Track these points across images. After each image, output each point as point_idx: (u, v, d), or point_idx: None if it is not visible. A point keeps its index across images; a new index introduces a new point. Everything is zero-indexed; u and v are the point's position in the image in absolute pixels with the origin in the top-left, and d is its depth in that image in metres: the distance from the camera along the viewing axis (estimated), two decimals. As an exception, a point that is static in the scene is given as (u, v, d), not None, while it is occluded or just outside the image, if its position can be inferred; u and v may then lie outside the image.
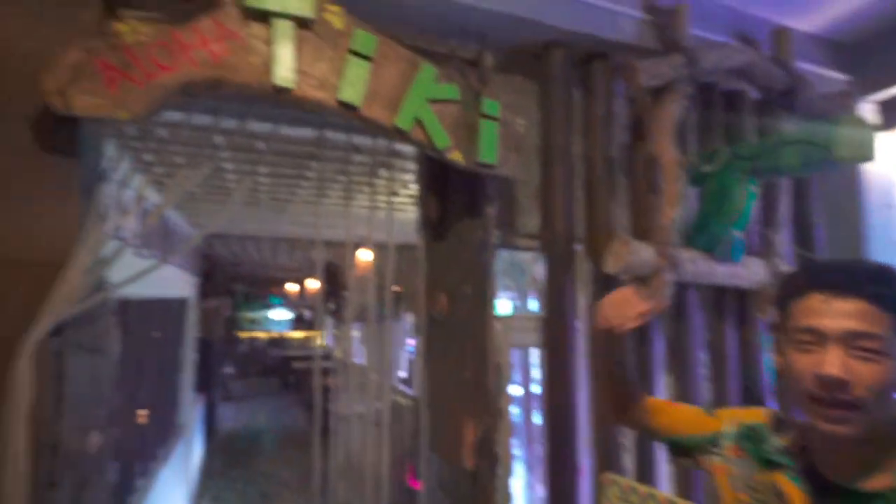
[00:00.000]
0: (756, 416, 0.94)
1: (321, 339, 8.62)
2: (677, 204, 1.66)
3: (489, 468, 1.44)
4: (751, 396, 1.88)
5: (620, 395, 1.11)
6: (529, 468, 2.12)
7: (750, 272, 1.89)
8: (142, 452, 2.71)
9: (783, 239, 2.01)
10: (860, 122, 1.53)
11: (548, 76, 1.59)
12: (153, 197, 2.47)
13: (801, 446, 0.83)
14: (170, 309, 3.34)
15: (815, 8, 1.91)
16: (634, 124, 1.88)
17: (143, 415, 2.77)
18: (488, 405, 1.45)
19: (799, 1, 1.86)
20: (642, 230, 1.80)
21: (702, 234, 1.79)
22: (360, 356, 5.70)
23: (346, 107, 1.23)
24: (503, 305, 3.41)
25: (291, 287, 11.87)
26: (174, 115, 1.37)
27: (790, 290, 0.81)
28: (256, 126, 1.49)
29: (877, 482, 0.75)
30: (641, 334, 1.78)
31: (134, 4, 1.24)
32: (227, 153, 1.86)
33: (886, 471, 0.74)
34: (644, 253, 1.62)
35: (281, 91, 1.16)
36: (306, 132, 1.60)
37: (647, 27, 1.57)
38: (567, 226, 1.70)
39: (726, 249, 1.75)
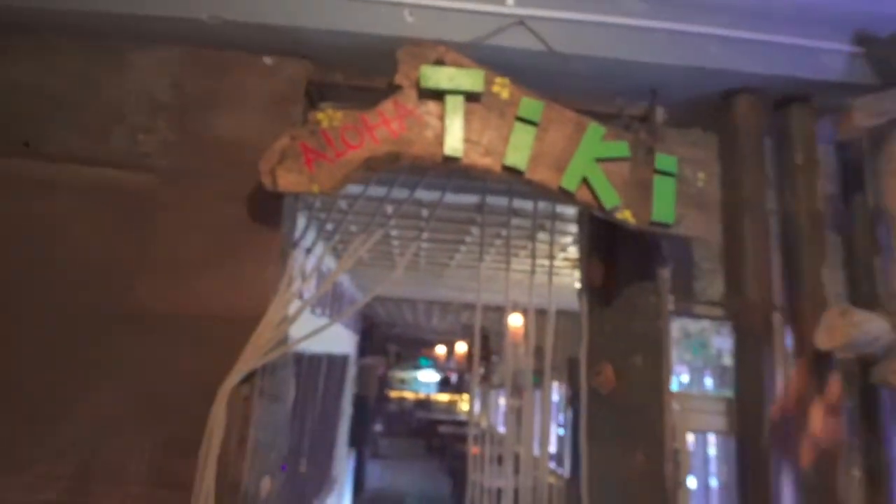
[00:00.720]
0: None
1: (467, 404, 8.56)
2: (914, 267, 1.33)
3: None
4: None
5: None
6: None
7: None
8: (300, 499, 2.86)
9: None
10: None
11: (733, 125, 1.44)
12: (331, 263, 2.74)
13: None
14: (334, 364, 3.60)
15: None
16: (849, 173, 1.61)
17: (304, 465, 2.96)
18: (665, 499, 1.24)
19: None
20: (865, 297, 1.48)
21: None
22: (504, 425, 5.48)
23: (512, 171, 1.23)
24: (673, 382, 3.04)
25: (440, 350, 12.19)
26: (354, 189, 1.50)
27: None
28: (424, 194, 1.57)
29: None
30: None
31: (330, 97, 1.44)
32: (395, 221, 1.99)
33: None
34: (871, 325, 1.30)
35: (450, 160, 1.21)
36: (470, 198, 1.64)
37: (858, 61, 1.35)
38: (762, 292, 1.46)
39: None
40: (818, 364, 1.43)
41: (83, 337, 1.19)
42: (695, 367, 2.73)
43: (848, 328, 1.28)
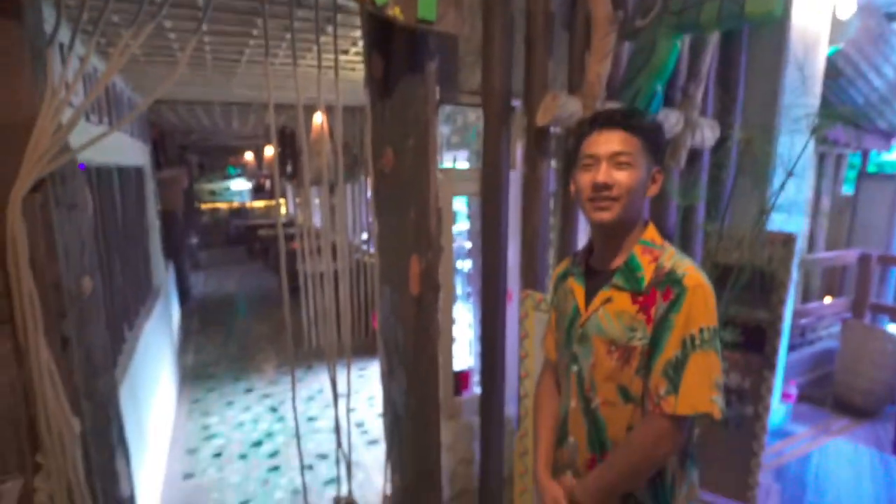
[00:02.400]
0: (564, 263, 1.32)
1: (283, 206, 8.69)
2: (605, 59, 1.79)
3: (432, 294, 1.74)
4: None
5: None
6: (469, 297, 2.47)
7: (668, 123, 2.09)
8: (125, 309, 2.96)
9: (701, 93, 2.18)
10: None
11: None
12: (99, 64, 2.39)
13: (586, 257, 1.22)
14: (127, 176, 3.35)
15: None
16: (576, -23, 1.91)
17: (120, 278, 2.97)
18: (430, 243, 1.70)
19: None
20: (578, 85, 1.94)
21: (628, 88, 1.95)
22: (320, 220, 5.87)
23: (281, -38, 1.25)
24: (459, 163, 3.58)
25: (249, 156, 11.56)
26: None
27: (582, 131, 1.15)
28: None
29: (617, 262, 1.14)
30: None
31: None
32: (168, 11, 1.80)
33: (621, 256, 1.13)
34: (571, 106, 1.78)
35: (213, -54, 1.17)
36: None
37: None
38: (504, 81, 1.82)
39: (647, 102, 1.92)
40: (539, 135, 1.91)
41: None
42: (473, 149, 3.27)
43: (554, 108, 1.73)
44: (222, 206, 13.35)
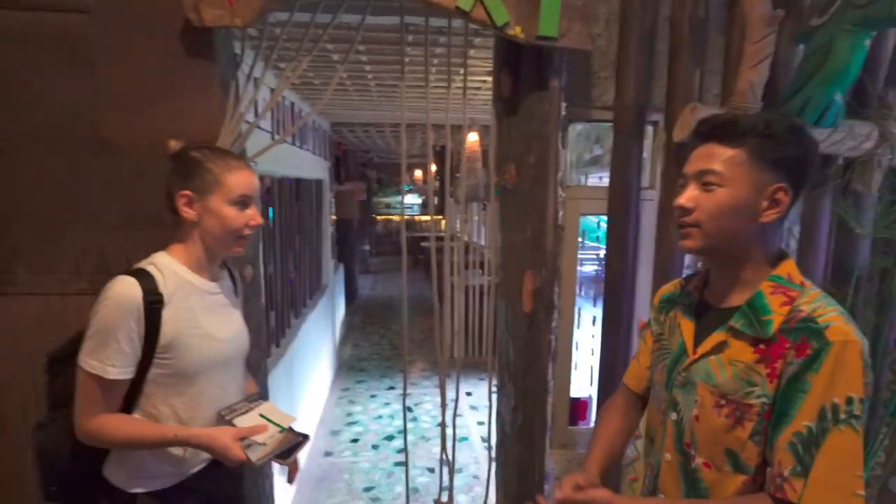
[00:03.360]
0: (672, 284, 1.17)
1: (446, 221, 9.18)
2: (760, 65, 1.58)
3: (545, 313, 1.70)
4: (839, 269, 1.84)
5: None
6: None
7: (853, 138, 1.75)
8: (293, 299, 3.45)
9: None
10: None
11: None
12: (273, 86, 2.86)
13: (699, 287, 1.06)
14: (309, 188, 3.94)
15: None
16: (734, -22, 1.73)
17: (294, 274, 3.49)
18: (546, 260, 1.67)
19: None
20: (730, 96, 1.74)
21: (797, 97, 1.68)
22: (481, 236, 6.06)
23: (411, -7, 1.38)
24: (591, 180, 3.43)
25: (418, 173, 12.57)
26: (282, 17, 1.63)
27: (689, 143, 1.00)
28: (347, 17, 1.69)
29: (737, 299, 0.96)
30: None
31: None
32: (333, 45, 2.10)
33: (743, 292, 0.95)
34: (712, 120, 1.60)
35: (354, -15, 1.34)
36: (391, 19, 1.76)
37: None
38: (637, 94, 1.72)
39: (819, 113, 1.63)
40: (679, 153, 1.76)
41: (74, 166, 1.45)
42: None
43: (692, 122, 1.57)
44: (395, 218, 14.66)
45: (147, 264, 1.16)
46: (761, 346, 0.89)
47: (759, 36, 1.54)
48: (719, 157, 0.91)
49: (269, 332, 2.91)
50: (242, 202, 1.17)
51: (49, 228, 1.49)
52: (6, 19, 1.40)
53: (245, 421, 1.19)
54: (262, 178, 2.58)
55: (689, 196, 0.94)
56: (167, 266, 1.17)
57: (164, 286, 1.13)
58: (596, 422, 1.25)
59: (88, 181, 1.47)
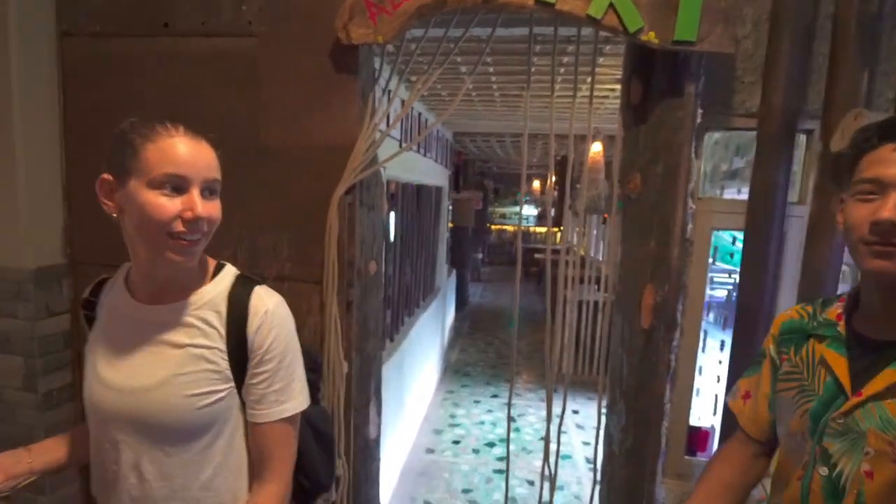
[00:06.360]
0: (793, 310, 1.02)
1: (561, 233, 9.02)
2: (950, 67, 1.35)
3: (665, 330, 1.61)
4: None
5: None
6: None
7: None
8: (407, 299, 3.62)
9: None
10: None
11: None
12: (406, 97, 3.03)
13: (846, 315, 0.90)
14: (427, 193, 4.12)
15: None
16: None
17: (409, 274, 3.67)
18: (669, 275, 1.58)
19: None
20: (902, 102, 1.52)
21: None
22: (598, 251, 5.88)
23: (543, 3, 1.40)
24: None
25: (535, 184, 12.47)
26: (417, 33, 1.75)
27: (863, 144, 0.83)
28: (479, 31, 1.76)
29: None
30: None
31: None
32: (461, 57, 2.20)
33: None
34: (881, 128, 1.40)
35: (488, 1, 1.41)
36: (520, 31, 1.80)
37: None
38: (787, 100, 1.57)
39: None
40: (837, 164, 1.57)
41: (233, 168, 1.68)
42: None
43: (854, 131, 1.39)
44: (509, 228, 14.70)
45: (123, 267, 0.99)
46: None
47: (950, 31, 1.33)
48: None
49: (385, 327, 3.09)
50: (173, 184, 0.83)
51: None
52: (188, 45, 1.67)
53: None
54: (388, 183, 2.76)
55: None
56: (121, 273, 0.98)
57: (105, 294, 0.96)
58: (702, 474, 1.10)
59: (247, 181, 1.70)
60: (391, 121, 1.98)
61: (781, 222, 1.64)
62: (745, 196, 1.74)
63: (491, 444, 3.66)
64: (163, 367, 0.86)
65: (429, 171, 4.08)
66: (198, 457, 0.88)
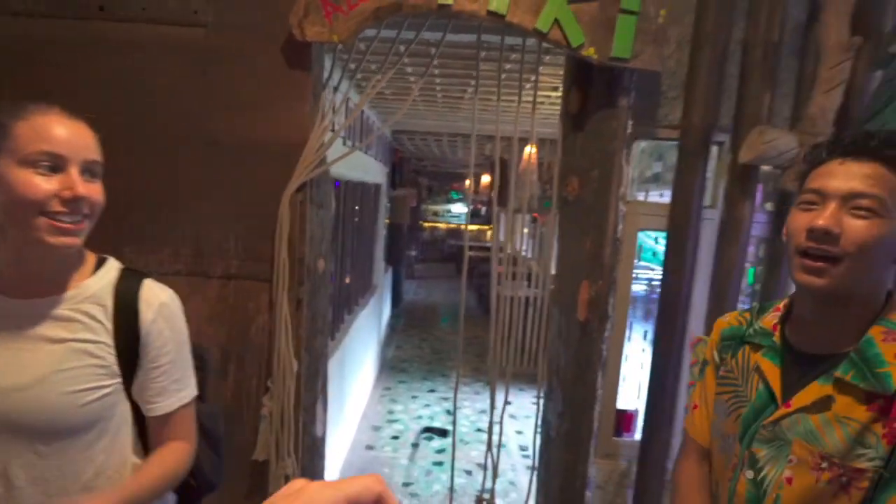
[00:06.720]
0: (731, 317, 1.03)
1: (493, 231, 9.31)
2: (834, 91, 1.59)
3: (599, 322, 1.75)
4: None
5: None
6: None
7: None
8: (347, 296, 3.62)
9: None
10: None
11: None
12: (355, 98, 3.04)
13: (779, 324, 0.92)
14: (368, 191, 4.12)
15: None
16: (814, 1, 1.74)
17: (349, 276, 3.66)
18: (603, 272, 1.72)
19: None
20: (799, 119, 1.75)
21: (872, 123, 1.68)
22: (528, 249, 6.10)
23: (495, 15, 1.48)
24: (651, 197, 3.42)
25: (468, 183, 12.73)
26: (370, 33, 1.77)
27: (813, 159, 0.85)
28: (429, 35, 1.82)
29: (841, 346, 0.82)
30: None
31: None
32: (409, 60, 2.24)
33: (845, 337, 0.82)
34: (780, 142, 1.62)
35: (443, 7, 1.47)
36: (467, 37, 1.88)
37: None
38: (704, 115, 1.75)
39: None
40: (742, 173, 1.78)
41: (184, 160, 1.63)
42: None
43: (759, 144, 1.60)
44: (441, 225, 14.88)
45: None
46: (877, 403, 0.77)
47: (835, 62, 1.56)
48: (880, 182, 0.76)
49: (327, 324, 3.07)
50: (50, 163, 0.78)
51: (157, 215, 1.67)
52: (129, 31, 1.59)
53: None
54: (334, 180, 2.75)
55: (834, 217, 0.77)
56: None
57: None
58: (676, 491, 1.06)
59: (192, 175, 1.65)
60: (343, 122, 1.99)
61: (698, 225, 1.84)
62: (666, 199, 1.93)
63: (429, 438, 3.74)
64: (39, 363, 0.81)
65: (369, 168, 4.08)
66: (79, 456, 0.84)
